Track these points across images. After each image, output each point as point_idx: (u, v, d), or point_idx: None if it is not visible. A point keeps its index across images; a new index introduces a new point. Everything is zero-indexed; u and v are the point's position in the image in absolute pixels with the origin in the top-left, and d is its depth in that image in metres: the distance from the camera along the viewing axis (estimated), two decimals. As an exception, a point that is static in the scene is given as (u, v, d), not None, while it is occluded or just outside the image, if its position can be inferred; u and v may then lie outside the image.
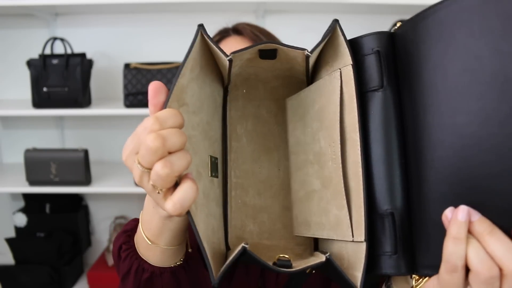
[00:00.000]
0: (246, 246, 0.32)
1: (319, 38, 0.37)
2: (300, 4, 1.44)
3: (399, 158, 0.34)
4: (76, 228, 1.62)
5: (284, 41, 0.68)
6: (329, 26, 0.37)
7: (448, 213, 0.29)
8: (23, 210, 1.61)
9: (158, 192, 0.30)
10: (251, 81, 0.45)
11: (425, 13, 0.31)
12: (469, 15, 0.28)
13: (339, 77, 0.37)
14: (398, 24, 0.36)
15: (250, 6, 1.48)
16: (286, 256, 0.35)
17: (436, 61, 0.30)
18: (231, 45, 0.66)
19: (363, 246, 0.34)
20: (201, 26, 0.35)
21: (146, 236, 0.41)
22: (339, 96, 0.36)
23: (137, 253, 0.43)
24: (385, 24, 1.50)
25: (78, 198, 1.73)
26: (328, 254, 0.34)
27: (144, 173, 0.30)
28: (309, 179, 0.41)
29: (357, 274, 0.34)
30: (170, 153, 0.29)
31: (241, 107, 0.45)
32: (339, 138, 0.36)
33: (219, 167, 0.42)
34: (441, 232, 0.30)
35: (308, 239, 0.44)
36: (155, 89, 0.32)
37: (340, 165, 0.36)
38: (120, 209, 1.74)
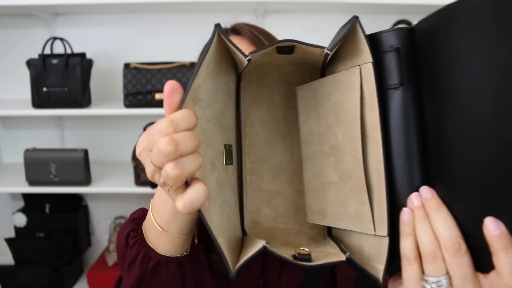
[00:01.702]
0: (267, 245, 0.32)
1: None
2: (300, 4, 1.44)
3: (419, 155, 0.34)
4: (76, 228, 1.62)
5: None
6: (349, 22, 0.36)
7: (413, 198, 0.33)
8: (23, 210, 1.61)
9: (169, 190, 0.31)
10: (264, 67, 0.44)
11: (447, 12, 0.30)
12: (485, 16, 0.27)
13: (358, 74, 0.36)
14: (415, 24, 0.35)
15: (250, 6, 1.48)
16: (307, 249, 0.35)
17: (456, 61, 0.30)
18: None
19: (386, 240, 0.34)
20: (218, 26, 0.35)
21: (157, 222, 0.41)
22: (359, 93, 0.36)
23: (145, 240, 0.44)
24: (385, 24, 1.50)
25: (78, 198, 1.73)
26: (348, 254, 0.34)
27: (156, 171, 0.31)
28: (324, 170, 0.41)
29: (379, 267, 0.34)
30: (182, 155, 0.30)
31: (254, 93, 0.45)
32: (360, 135, 0.36)
33: (234, 154, 0.43)
34: None
35: None
36: (171, 89, 0.32)
37: (362, 162, 0.36)
38: (120, 209, 1.74)
